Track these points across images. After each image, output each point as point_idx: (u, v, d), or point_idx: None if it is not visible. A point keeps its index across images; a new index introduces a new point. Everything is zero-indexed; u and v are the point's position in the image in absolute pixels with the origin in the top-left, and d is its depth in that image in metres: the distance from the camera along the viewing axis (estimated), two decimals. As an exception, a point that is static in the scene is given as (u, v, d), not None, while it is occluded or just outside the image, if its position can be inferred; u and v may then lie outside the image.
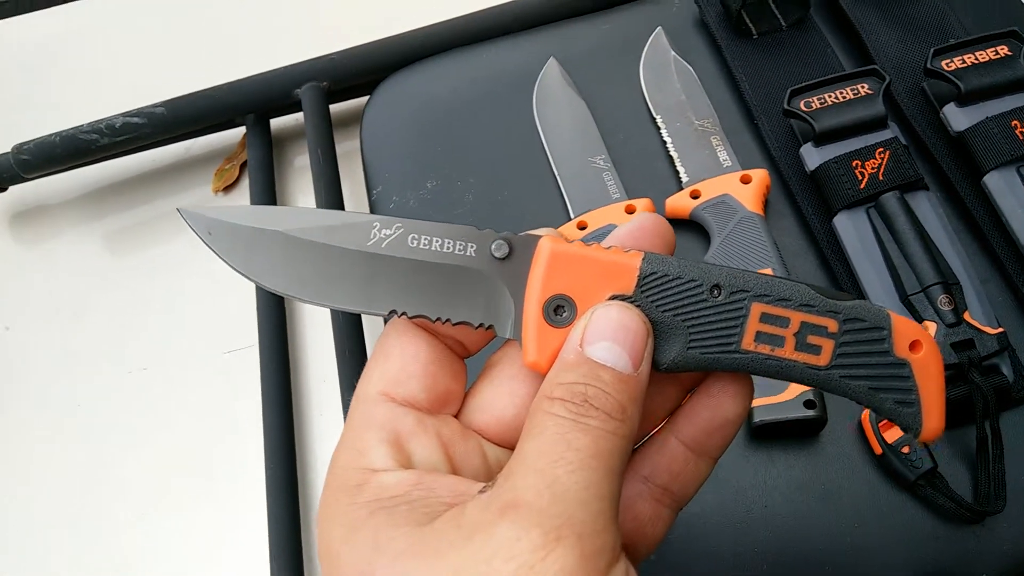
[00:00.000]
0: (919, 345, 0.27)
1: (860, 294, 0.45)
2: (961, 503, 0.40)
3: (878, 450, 0.42)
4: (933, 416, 0.27)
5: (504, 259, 0.28)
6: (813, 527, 0.42)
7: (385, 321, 0.29)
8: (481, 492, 0.25)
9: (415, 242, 0.28)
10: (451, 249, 0.28)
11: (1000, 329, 0.42)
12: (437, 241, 0.28)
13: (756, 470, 0.43)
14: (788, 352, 0.27)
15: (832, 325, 0.26)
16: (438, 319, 0.28)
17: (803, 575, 0.41)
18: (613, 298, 0.27)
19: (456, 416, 0.29)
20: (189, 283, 0.62)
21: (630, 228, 0.29)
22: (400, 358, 0.28)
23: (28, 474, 0.56)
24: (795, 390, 0.42)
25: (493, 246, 0.28)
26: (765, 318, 0.27)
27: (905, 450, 0.41)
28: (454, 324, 0.28)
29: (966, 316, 0.43)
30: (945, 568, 0.40)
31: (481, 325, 0.28)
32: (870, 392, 0.27)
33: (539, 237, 0.28)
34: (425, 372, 0.28)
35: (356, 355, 0.52)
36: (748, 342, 0.27)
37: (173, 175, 0.69)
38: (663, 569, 0.42)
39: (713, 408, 0.29)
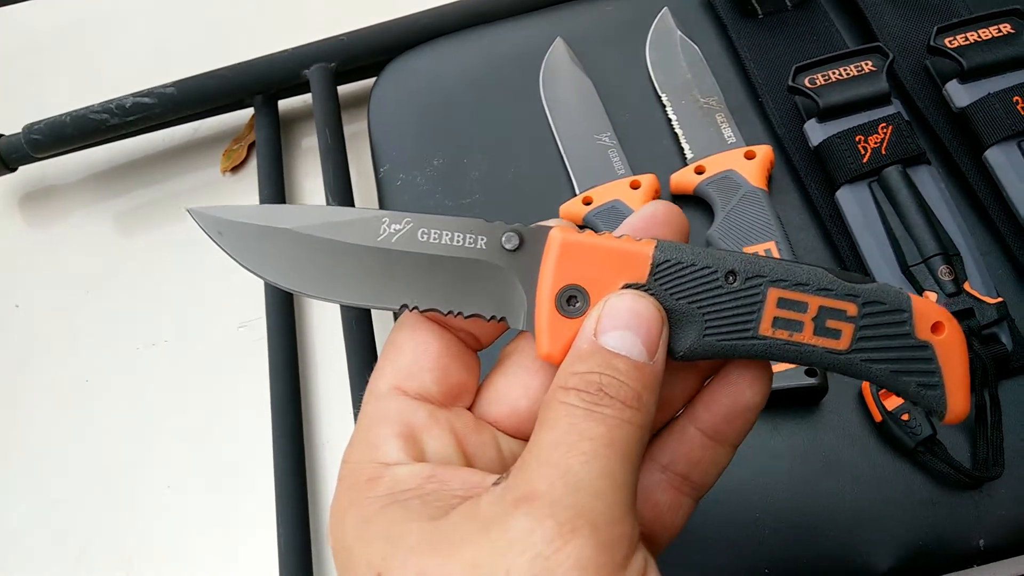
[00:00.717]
0: (941, 327, 0.26)
1: (862, 266, 0.46)
2: (960, 469, 0.41)
3: (878, 417, 0.42)
4: (958, 398, 0.27)
5: (515, 251, 0.28)
6: (814, 494, 0.42)
7: (396, 316, 0.30)
8: (495, 484, 0.25)
9: (425, 236, 0.28)
10: (461, 242, 0.28)
11: (999, 299, 0.43)
12: (447, 235, 0.28)
13: (758, 438, 0.44)
14: (807, 337, 0.26)
15: (851, 309, 0.26)
16: (450, 312, 0.28)
17: (803, 541, 0.41)
18: (626, 287, 0.27)
19: (470, 408, 0.29)
20: (198, 261, 0.62)
21: (642, 216, 0.29)
22: (412, 352, 0.28)
23: (39, 450, 0.57)
24: (797, 358, 0.43)
25: (503, 238, 0.28)
26: (782, 303, 0.26)
27: (905, 417, 0.42)
28: (466, 317, 0.28)
29: (966, 286, 0.43)
30: (944, 533, 0.41)
31: (493, 317, 0.28)
32: (892, 375, 0.26)
33: (549, 228, 0.28)
34: (437, 365, 0.28)
35: (363, 325, 0.53)
36: (765, 328, 0.26)
37: (182, 155, 0.69)
38: (666, 534, 0.42)
39: (732, 395, 0.28)
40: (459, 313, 0.28)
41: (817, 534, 0.42)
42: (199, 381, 0.58)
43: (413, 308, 0.28)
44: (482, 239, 0.28)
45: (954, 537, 0.41)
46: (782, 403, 0.44)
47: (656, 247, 0.27)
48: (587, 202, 0.51)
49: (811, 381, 0.43)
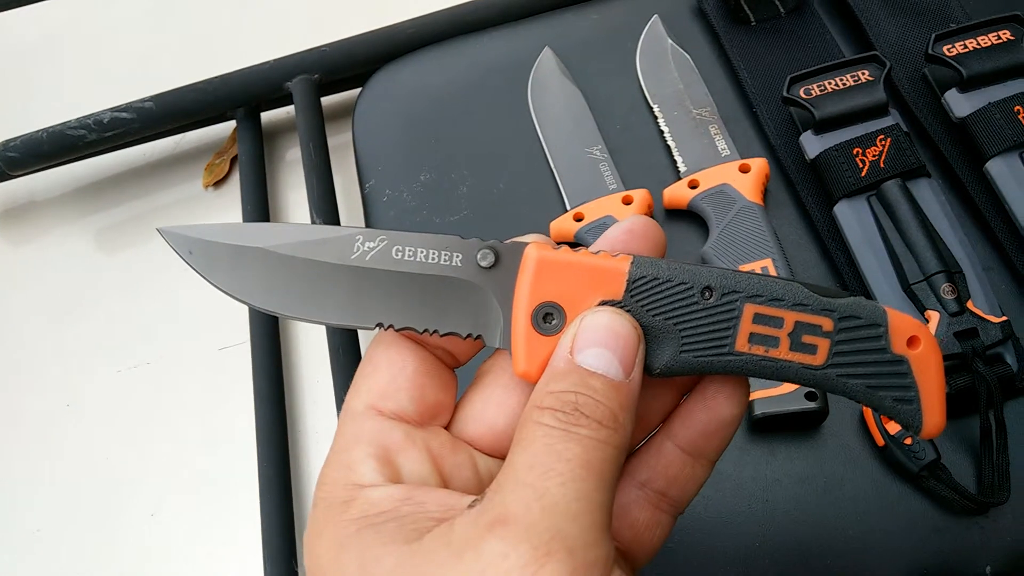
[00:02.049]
0: (917, 341, 0.26)
1: (862, 283, 0.45)
2: (965, 494, 0.40)
3: (880, 442, 0.41)
4: (934, 412, 0.26)
5: (490, 268, 0.27)
6: (815, 520, 0.41)
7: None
8: (470, 507, 0.24)
9: (399, 254, 0.28)
10: (436, 260, 0.28)
11: (1004, 317, 0.42)
12: (422, 252, 0.28)
13: (757, 463, 0.43)
14: (783, 352, 0.26)
15: (827, 324, 0.26)
16: (426, 331, 0.28)
17: (805, 569, 0.40)
18: (602, 304, 0.27)
19: (447, 427, 0.29)
20: (181, 279, 0.60)
21: (618, 231, 0.29)
22: (387, 371, 0.28)
23: (17, 478, 0.56)
24: (796, 382, 0.42)
25: (479, 255, 0.27)
26: (758, 319, 0.26)
27: (908, 441, 0.41)
28: (442, 335, 0.28)
29: (969, 305, 0.42)
30: (949, 560, 0.40)
31: (470, 335, 0.28)
32: (868, 391, 0.26)
33: (525, 244, 0.27)
34: (413, 384, 0.28)
35: (349, 350, 0.52)
36: (742, 344, 0.26)
37: (163, 170, 0.68)
38: (663, 565, 0.41)
39: (709, 410, 0.28)
40: (435, 331, 0.28)
41: (818, 562, 0.40)
42: (183, 404, 0.56)
43: (388, 327, 0.28)
44: (457, 256, 0.28)
45: (960, 564, 0.40)
46: (781, 428, 0.43)
47: (632, 263, 0.27)
48: (578, 218, 0.50)
49: (811, 405, 0.41)
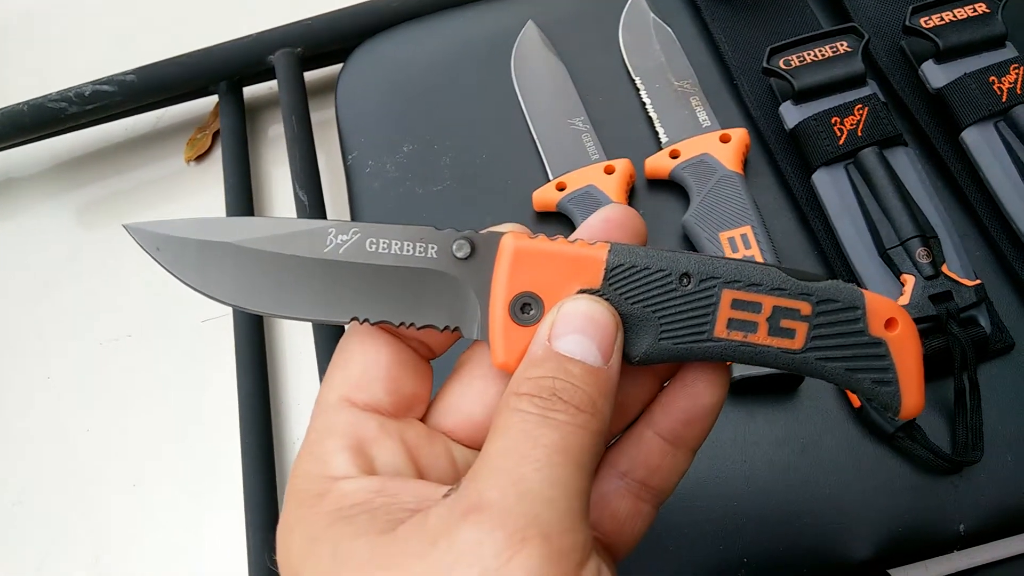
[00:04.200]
0: (895, 323, 0.26)
1: (839, 249, 0.45)
2: (939, 454, 0.40)
3: (856, 403, 0.42)
4: (912, 393, 0.27)
5: (467, 259, 0.27)
6: (793, 481, 0.42)
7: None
8: (445, 496, 0.24)
9: (373, 246, 0.27)
10: (411, 252, 0.27)
11: (977, 281, 0.42)
12: (396, 244, 0.27)
13: (736, 425, 0.43)
14: (761, 338, 0.26)
15: (805, 308, 0.26)
16: (402, 324, 0.27)
17: (783, 528, 0.41)
18: (581, 292, 0.26)
19: (424, 418, 0.29)
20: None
21: (597, 220, 0.29)
22: (361, 362, 0.28)
23: (-1, 447, 0.55)
24: (775, 344, 0.42)
25: (454, 246, 0.27)
26: (736, 304, 0.26)
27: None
28: (419, 328, 0.27)
29: (944, 269, 0.42)
30: (924, 518, 0.40)
31: (447, 328, 0.27)
32: (847, 373, 0.26)
33: (502, 234, 0.27)
34: (388, 376, 0.28)
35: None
36: (720, 330, 0.26)
37: (144, 145, 0.67)
38: (644, 525, 0.41)
39: (689, 398, 0.28)
40: (411, 324, 0.27)
41: (796, 521, 0.41)
42: (164, 376, 0.56)
43: (364, 321, 0.27)
44: (432, 247, 0.27)
45: (934, 522, 0.40)
46: (759, 390, 0.43)
47: (610, 251, 0.27)
48: (561, 188, 0.50)
49: (789, 367, 0.42)
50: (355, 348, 0.28)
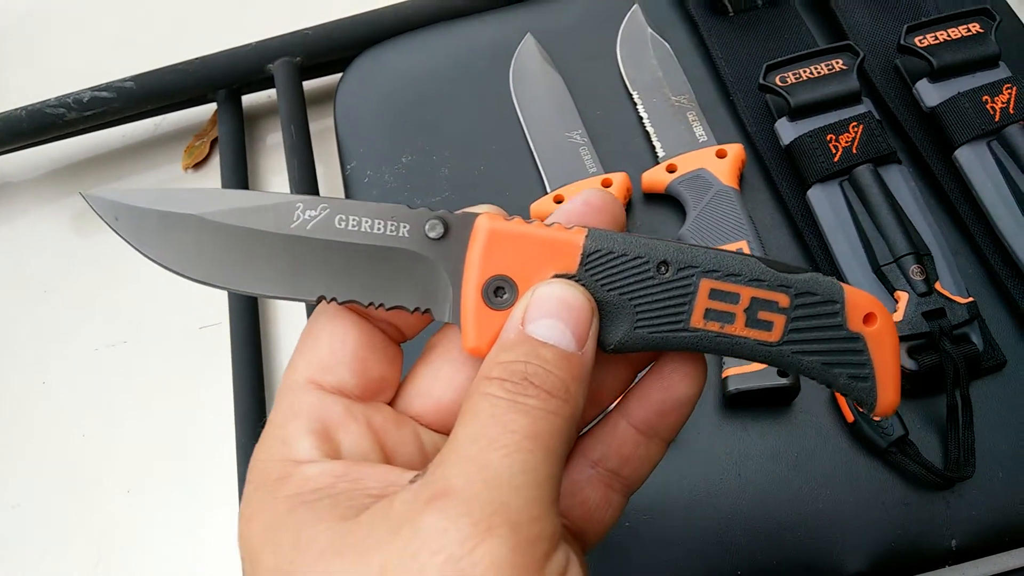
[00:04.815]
0: (873, 318, 0.26)
1: (834, 265, 0.46)
2: (931, 469, 0.41)
3: (850, 418, 0.42)
4: (888, 390, 0.26)
5: (439, 239, 0.26)
6: (786, 494, 0.42)
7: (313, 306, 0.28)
8: (412, 482, 0.23)
9: (343, 223, 0.26)
10: (382, 230, 0.26)
11: (970, 299, 0.43)
12: (367, 222, 0.26)
13: (730, 438, 0.43)
14: (738, 329, 0.26)
15: (783, 300, 0.26)
16: (371, 304, 0.26)
17: (776, 541, 0.41)
18: (556, 277, 0.26)
19: (392, 403, 0.28)
20: (159, 259, 0.61)
21: (574, 204, 0.28)
22: (328, 343, 0.27)
23: (-8, 452, 0.55)
24: (769, 359, 0.43)
25: (427, 225, 0.26)
26: (714, 294, 0.26)
27: (876, 418, 0.42)
28: (388, 309, 0.27)
29: (937, 286, 0.43)
30: (916, 533, 0.41)
31: (417, 309, 0.27)
32: (823, 367, 0.26)
33: (476, 215, 0.26)
34: (355, 358, 0.27)
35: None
36: (697, 320, 0.26)
37: (142, 152, 0.67)
38: (639, 538, 0.42)
39: (665, 389, 0.28)
40: (380, 305, 0.26)
41: (789, 535, 0.41)
42: (160, 383, 0.56)
43: (331, 300, 0.26)
44: (404, 226, 0.26)
45: (926, 537, 0.41)
46: (754, 403, 0.44)
47: (587, 236, 0.26)
48: (558, 201, 0.51)
49: (783, 381, 0.42)
50: (322, 329, 0.27)
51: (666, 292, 0.26)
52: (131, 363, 0.57)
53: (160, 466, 0.53)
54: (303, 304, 0.53)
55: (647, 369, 0.29)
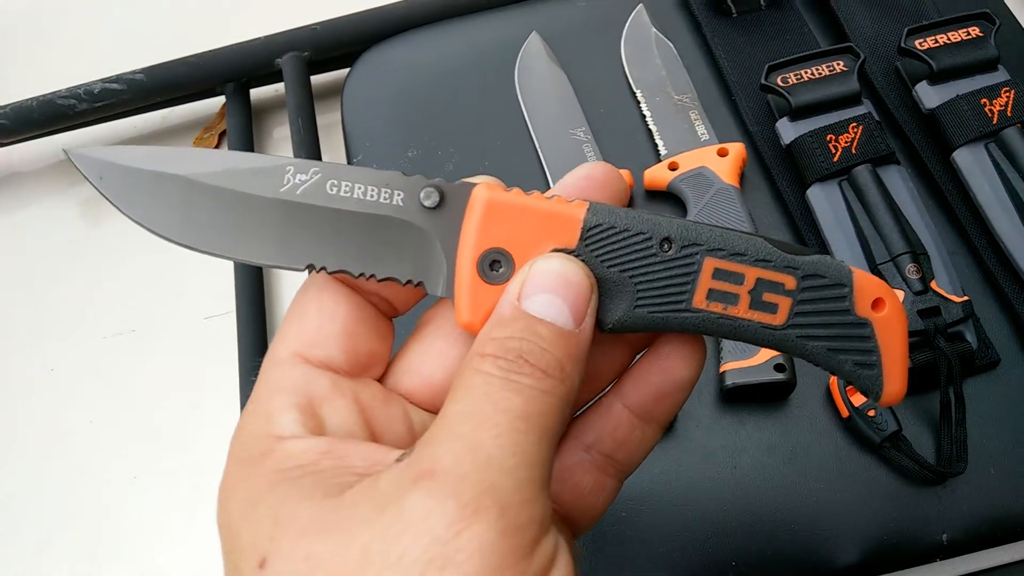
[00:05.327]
0: (882, 303, 0.25)
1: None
2: (924, 465, 0.41)
3: (845, 413, 0.43)
4: (895, 379, 0.25)
5: (435, 208, 0.25)
6: (781, 488, 0.43)
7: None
8: (398, 460, 0.22)
9: (334, 189, 0.25)
10: (375, 197, 0.25)
11: (965, 298, 0.44)
12: (360, 188, 0.25)
13: (726, 432, 0.44)
14: (742, 311, 0.25)
15: (789, 282, 0.25)
16: (361, 275, 0.25)
17: (770, 534, 0.42)
18: (555, 251, 0.25)
19: (381, 379, 0.27)
20: (166, 249, 0.61)
21: (576, 177, 0.27)
22: (317, 317, 0.26)
23: (0, 437, 0.56)
24: (766, 354, 0.43)
25: (422, 194, 0.25)
26: (718, 274, 0.25)
27: (871, 413, 0.42)
28: (379, 280, 0.26)
29: (933, 285, 0.44)
30: (908, 527, 0.41)
31: (410, 282, 0.26)
32: (828, 353, 0.25)
33: (474, 185, 0.25)
34: (345, 332, 0.26)
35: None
36: (700, 300, 0.25)
37: (151, 143, 0.68)
38: (635, 529, 0.42)
39: (663, 372, 0.27)
40: (372, 276, 0.25)
41: (783, 528, 0.42)
42: (167, 372, 0.57)
43: (320, 269, 0.25)
44: (399, 194, 0.25)
45: (918, 532, 0.41)
46: (751, 398, 0.44)
47: (588, 210, 0.25)
48: (561, 196, 0.51)
49: (780, 377, 0.43)
50: (311, 301, 0.26)
51: (668, 270, 0.25)
52: (138, 352, 0.58)
53: (166, 454, 0.54)
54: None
55: (644, 351, 0.28)
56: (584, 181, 0.27)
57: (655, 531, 0.43)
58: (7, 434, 0.56)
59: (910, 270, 0.44)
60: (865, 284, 0.25)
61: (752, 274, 0.25)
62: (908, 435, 0.42)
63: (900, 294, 0.43)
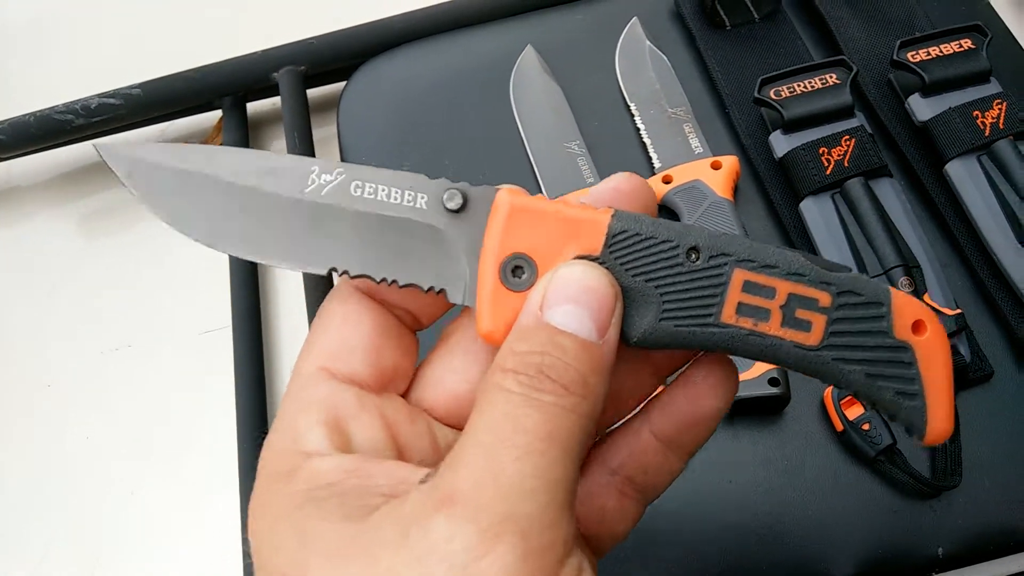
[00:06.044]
0: (923, 326, 0.23)
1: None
2: (919, 478, 0.41)
3: (839, 427, 0.43)
4: (940, 413, 0.23)
5: (458, 212, 0.25)
6: (776, 501, 0.43)
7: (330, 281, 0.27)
8: (422, 482, 0.22)
9: (359, 190, 0.25)
10: (399, 200, 0.25)
11: (958, 311, 0.44)
12: (383, 190, 0.25)
13: (721, 446, 0.44)
14: (774, 328, 0.23)
15: (824, 299, 0.23)
16: (383, 280, 0.25)
17: (765, 547, 0.42)
18: (579, 259, 0.24)
19: (405, 394, 0.27)
20: (163, 264, 0.62)
21: (605, 187, 0.26)
22: (341, 329, 0.26)
23: (-2, 453, 0.56)
24: (760, 368, 0.43)
25: (445, 196, 0.25)
26: (748, 287, 0.23)
27: (865, 427, 0.42)
28: (401, 286, 0.25)
29: (925, 298, 0.44)
30: (903, 541, 0.41)
31: (432, 289, 0.25)
32: (867, 380, 0.23)
33: (497, 189, 0.25)
34: (369, 345, 0.26)
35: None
36: (729, 315, 0.24)
37: (149, 157, 0.68)
38: (629, 543, 0.42)
39: (693, 399, 0.26)
40: (393, 281, 0.25)
41: (778, 542, 0.42)
42: (163, 386, 0.57)
43: (343, 272, 0.25)
44: (422, 197, 0.25)
45: (913, 545, 0.41)
46: (745, 412, 0.44)
47: (613, 216, 0.24)
48: (555, 210, 0.51)
49: (774, 390, 0.43)
50: (335, 314, 0.26)
51: (696, 281, 0.24)
52: (135, 366, 0.58)
53: (163, 469, 0.54)
54: (306, 308, 0.54)
55: (674, 377, 0.27)
56: (612, 192, 0.26)
57: (649, 544, 0.43)
58: (6, 449, 0.56)
59: (903, 283, 0.44)
60: (904, 305, 0.24)
61: (784, 288, 0.24)
62: (902, 448, 0.42)
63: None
